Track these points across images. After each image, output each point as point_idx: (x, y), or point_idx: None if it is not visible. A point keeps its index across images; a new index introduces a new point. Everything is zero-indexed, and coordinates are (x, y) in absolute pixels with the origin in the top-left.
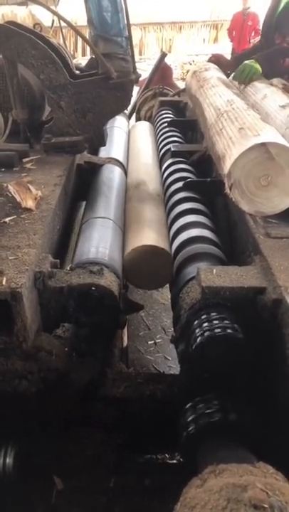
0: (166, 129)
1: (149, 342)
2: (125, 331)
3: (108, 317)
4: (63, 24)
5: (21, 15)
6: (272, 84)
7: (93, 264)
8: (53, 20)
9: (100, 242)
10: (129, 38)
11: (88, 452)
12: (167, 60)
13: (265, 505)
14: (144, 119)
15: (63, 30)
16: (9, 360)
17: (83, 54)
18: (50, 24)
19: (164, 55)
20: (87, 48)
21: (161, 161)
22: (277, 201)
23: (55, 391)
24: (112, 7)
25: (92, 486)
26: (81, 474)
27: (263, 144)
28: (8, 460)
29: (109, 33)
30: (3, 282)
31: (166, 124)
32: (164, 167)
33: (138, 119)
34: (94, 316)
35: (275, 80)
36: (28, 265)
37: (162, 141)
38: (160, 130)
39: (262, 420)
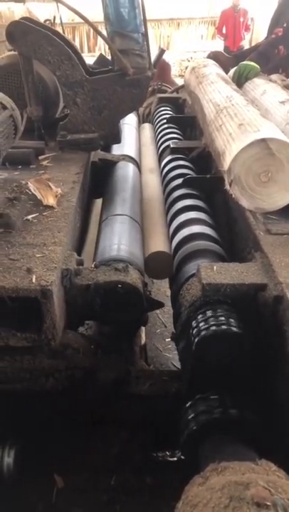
0: (165, 125)
1: (167, 340)
2: (143, 328)
3: (133, 314)
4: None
5: (19, 12)
6: (271, 80)
7: (117, 262)
8: (54, 17)
9: (121, 239)
10: (146, 34)
11: (114, 450)
12: (165, 57)
13: (268, 503)
14: (143, 116)
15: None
16: (36, 358)
17: (81, 51)
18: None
19: (162, 51)
20: (85, 46)
21: (160, 158)
22: (277, 197)
23: (82, 389)
24: (129, 3)
25: (95, 484)
26: (109, 473)
27: (263, 140)
28: (7, 459)
29: (126, 29)
30: (33, 280)
31: (165, 121)
32: (163, 164)
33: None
34: (119, 314)
35: (274, 76)
36: (55, 263)
37: (161, 137)
38: (159, 127)
39: (263, 417)
